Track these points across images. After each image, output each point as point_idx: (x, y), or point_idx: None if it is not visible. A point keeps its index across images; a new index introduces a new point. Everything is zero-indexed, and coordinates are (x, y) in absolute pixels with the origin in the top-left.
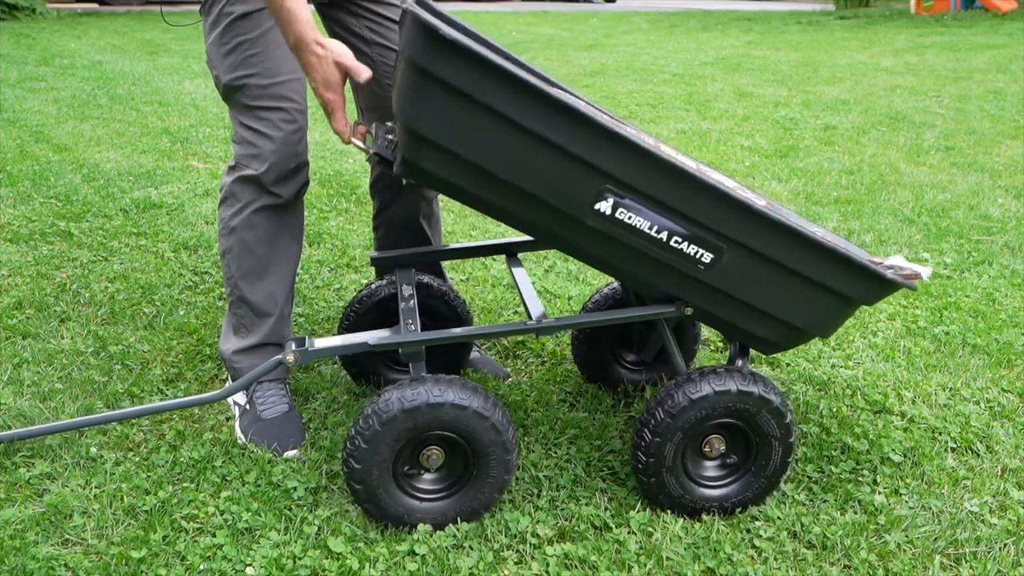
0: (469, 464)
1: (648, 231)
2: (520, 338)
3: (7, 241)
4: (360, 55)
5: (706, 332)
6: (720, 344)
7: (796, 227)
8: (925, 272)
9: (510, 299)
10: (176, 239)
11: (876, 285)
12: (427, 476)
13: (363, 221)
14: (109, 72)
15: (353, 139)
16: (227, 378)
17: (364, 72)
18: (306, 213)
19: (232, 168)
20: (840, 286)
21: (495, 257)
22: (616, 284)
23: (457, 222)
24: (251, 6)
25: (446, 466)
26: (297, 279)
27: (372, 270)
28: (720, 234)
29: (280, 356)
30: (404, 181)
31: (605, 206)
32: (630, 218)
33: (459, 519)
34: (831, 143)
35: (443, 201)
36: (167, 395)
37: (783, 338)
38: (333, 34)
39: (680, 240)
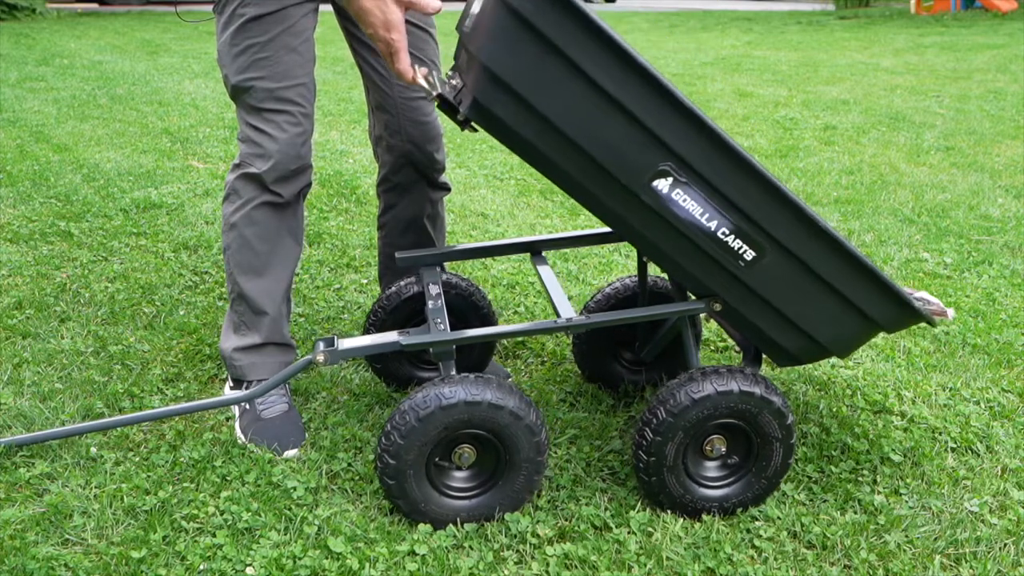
0: (500, 462)
1: (699, 218)
2: (520, 338)
3: (7, 241)
4: (376, 56)
5: (706, 332)
6: (720, 344)
7: (841, 239)
8: (951, 313)
9: (510, 299)
10: (176, 239)
11: (905, 314)
12: (458, 474)
13: (363, 221)
14: (109, 72)
15: (418, 78)
16: (227, 377)
17: (433, 2)
18: (306, 214)
19: (237, 166)
20: (870, 308)
21: (495, 257)
22: (618, 284)
23: (457, 222)
24: (263, 9)
25: (477, 464)
26: (297, 279)
27: (372, 270)
28: (767, 233)
29: (311, 356)
30: (463, 129)
31: (663, 184)
32: (684, 201)
33: (487, 518)
34: (831, 143)
35: None
36: (167, 395)
37: (802, 351)
38: (350, 35)
39: (727, 233)
